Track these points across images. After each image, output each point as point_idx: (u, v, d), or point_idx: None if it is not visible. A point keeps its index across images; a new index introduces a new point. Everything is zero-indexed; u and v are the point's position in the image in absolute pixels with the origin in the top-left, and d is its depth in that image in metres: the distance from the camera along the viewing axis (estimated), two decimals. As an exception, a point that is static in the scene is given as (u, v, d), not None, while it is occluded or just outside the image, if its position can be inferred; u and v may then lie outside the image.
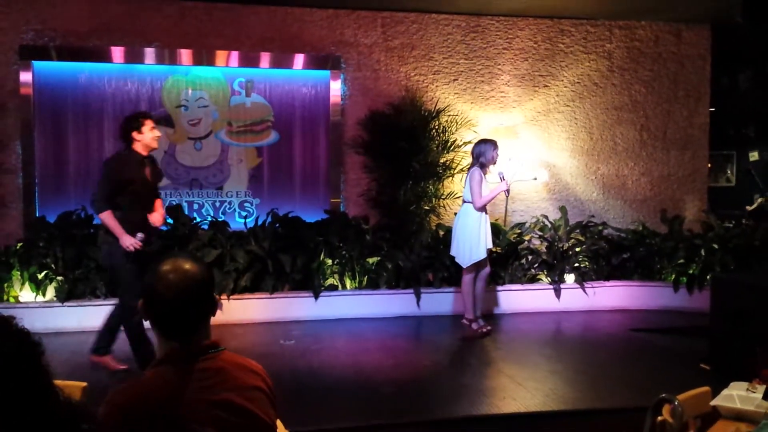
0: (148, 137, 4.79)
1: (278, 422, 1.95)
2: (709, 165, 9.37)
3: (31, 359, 1.35)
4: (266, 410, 1.79)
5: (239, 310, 6.56)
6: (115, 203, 4.72)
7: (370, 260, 7.03)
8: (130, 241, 4.67)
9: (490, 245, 6.07)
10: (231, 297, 6.54)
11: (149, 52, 7.39)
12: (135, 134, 4.77)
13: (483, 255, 5.98)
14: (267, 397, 1.83)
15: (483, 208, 5.97)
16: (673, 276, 7.33)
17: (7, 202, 7.15)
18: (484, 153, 5.99)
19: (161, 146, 7.49)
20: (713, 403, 2.66)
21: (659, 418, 2.34)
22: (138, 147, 4.79)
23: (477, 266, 6.04)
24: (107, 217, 4.69)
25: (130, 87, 7.48)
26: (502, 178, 6.03)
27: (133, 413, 1.62)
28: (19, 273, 6.44)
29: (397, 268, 7.01)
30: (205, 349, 1.75)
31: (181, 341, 1.73)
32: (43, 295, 6.46)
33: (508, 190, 6.08)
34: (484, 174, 6.00)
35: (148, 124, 4.80)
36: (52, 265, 6.47)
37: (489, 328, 6.15)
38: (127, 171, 4.76)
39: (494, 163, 6.04)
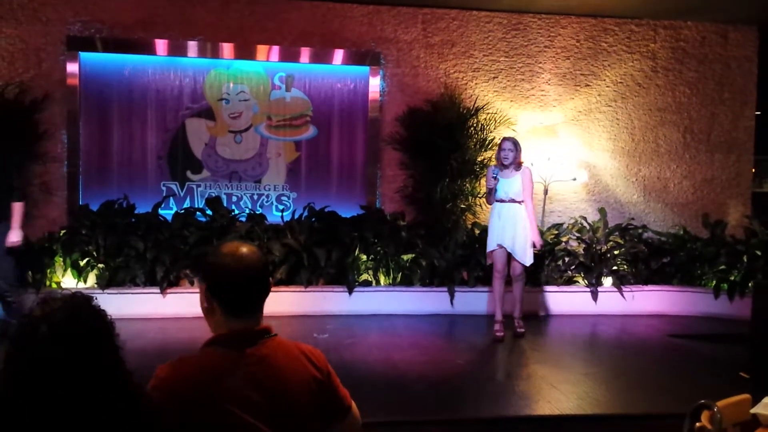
0: None
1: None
2: (754, 170, 9.15)
3: (109, 336, 1.48)
4: (307, 399, 1.80)
5: (274, 303, 6.52)
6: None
7: (405, 257, 7.03)
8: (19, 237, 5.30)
9: (502, 241, 5.94)
10: (266, 289, 6.60)
11: (192, 46, 7.50)
12: None
13: (488, 249, 6.05)
14: (315, 384, 1.84)
15: (497, 202, 6.00)
16: (714, 282, 7.18)
17: (52, 189, 7.32)
18: (497, 151, 6.13)
19: (203, 138, 7.65)
20: (753, 410, 2.60)
21: (697, 424, 2.29)
22: None
23: (498, 263, 6.01)
24: (21, 208, 5.22)
25: (173, 79, 7.59)
26: (493, 176, 5.91)
27: (178, 389, 1.66)
28: (61, 259, 6.60)
29: (432, 265, 7.00)
30: (261, 334, 1.80)
31: (244, 319, 1.79)
32: (85, 281, 6.61)
33: (489, 190, 5.99)
34: (501, 170, 6.00)
35: None
36: (94, 253, 6.61)
37: (501, 335, 5.98)
38: None
39: (503, 160, 5.97)
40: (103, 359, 1.43)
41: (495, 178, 5.88)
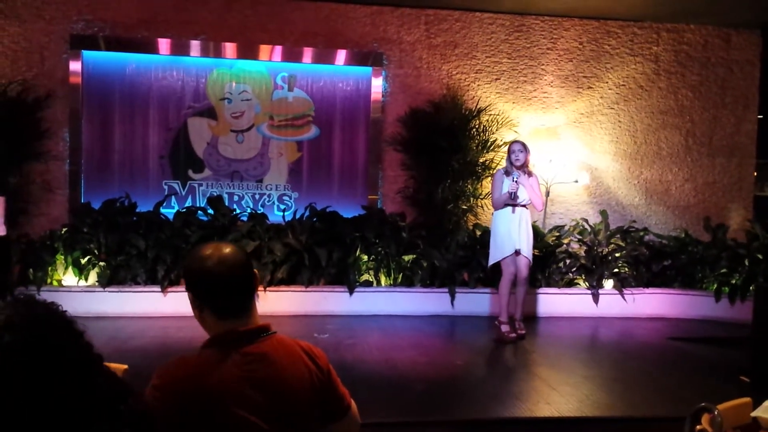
0: None
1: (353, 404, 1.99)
2: (756, 173, 9.14)
3: (69, 323, 1.39)
4: (307, 397, 1.79)
5: (275, 302, 6.62)
6: None
7: (406, 258, 7.03)
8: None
9: (519, 246, 5.95)
10: (267, 289, 6.61)
11: (195, 45, 7.51)
12: None
13: (502, 255, 5.96)
14: (315, 382, 1.83)
15: (510, 208, 5.94)
16: (715, 285, 7.18)
17: (53, 187, 7.33)
18: (507, 155, 6.10)
19: (204, 137, 7.64)
20: (754, 414, 2.59)
21: (698, 427, 2.29)
22: None
23: (512, 267, 5.98)
24: (2, 202, 5.31)
25: (176, 78, 7.61)
26: (514, 180, 5.91)
27: (178, 388, 1.65)
28: (63, 257, 6.61)
29: (433, 266, 7.00)
30: (257, 333, 1.78)
31: (235, 320, 1.76)
32: (86, 279, 6.62)
33: (512, 194, 5.89)
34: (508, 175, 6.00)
35: None
36: (95, 251, 6.62)
37: (514, 335, 6.00)
38: None
39: (515, 161, 5.96)
40: (77, 349, 1.38)
41: (516, 181, 5.90)
